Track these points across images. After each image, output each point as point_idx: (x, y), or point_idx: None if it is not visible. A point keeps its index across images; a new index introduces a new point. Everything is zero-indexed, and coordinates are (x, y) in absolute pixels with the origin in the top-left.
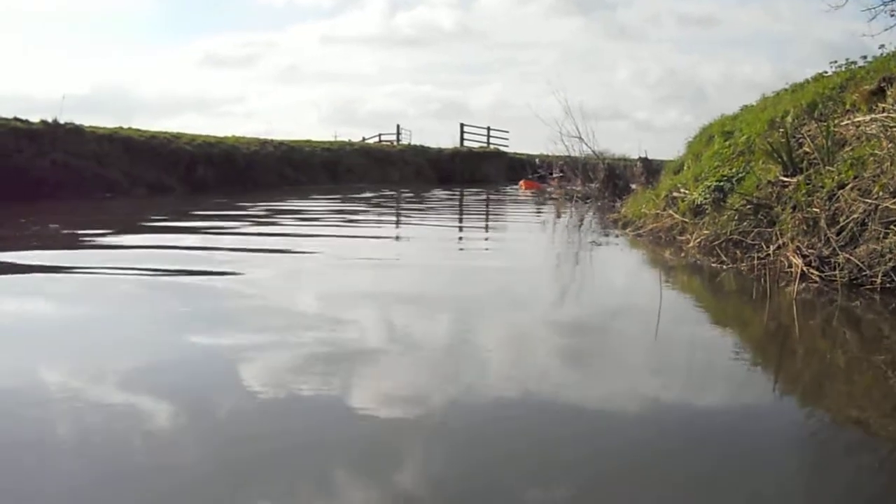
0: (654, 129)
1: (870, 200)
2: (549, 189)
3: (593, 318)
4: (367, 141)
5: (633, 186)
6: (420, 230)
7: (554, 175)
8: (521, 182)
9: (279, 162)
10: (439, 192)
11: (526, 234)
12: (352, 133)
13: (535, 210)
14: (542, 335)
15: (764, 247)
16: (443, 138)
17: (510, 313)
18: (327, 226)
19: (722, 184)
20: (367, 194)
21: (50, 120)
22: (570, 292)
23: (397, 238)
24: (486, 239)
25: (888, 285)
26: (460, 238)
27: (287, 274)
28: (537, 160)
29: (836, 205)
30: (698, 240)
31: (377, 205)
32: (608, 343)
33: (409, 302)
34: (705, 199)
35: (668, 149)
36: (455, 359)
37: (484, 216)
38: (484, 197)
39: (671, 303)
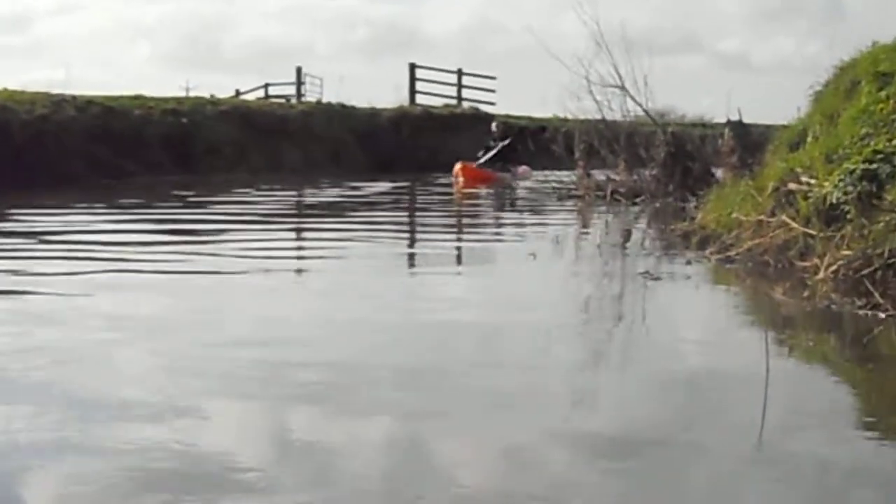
0: (753, 70)
1: None
2: (512, 181)
3: (648, 424)
4: (243, 97)
5: (718, 173)
6: (340, 266)
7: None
8: (458, 167)
9: (87, 135)
10: (375, 187)
11: (523, 265)
12: (215, 84)
13: (535, 217)
14: (555, 460)
15: None
16: (380, 91)
17: (497, 420)
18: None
19: (875, 166)
20: (239, 192)
21: None
22: (606, 374)
23: (298, 271)
24: (459, 275)
25: None
26: (412, 275)
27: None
28: (494, 125)
29: None
30: (834, 267)
31: (253, 216)
32: (676, 469)
33: (319, 395)
34: (846, 193)
35: (776, 105)
36: None
37: (455, 231)
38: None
39: (785, 386)
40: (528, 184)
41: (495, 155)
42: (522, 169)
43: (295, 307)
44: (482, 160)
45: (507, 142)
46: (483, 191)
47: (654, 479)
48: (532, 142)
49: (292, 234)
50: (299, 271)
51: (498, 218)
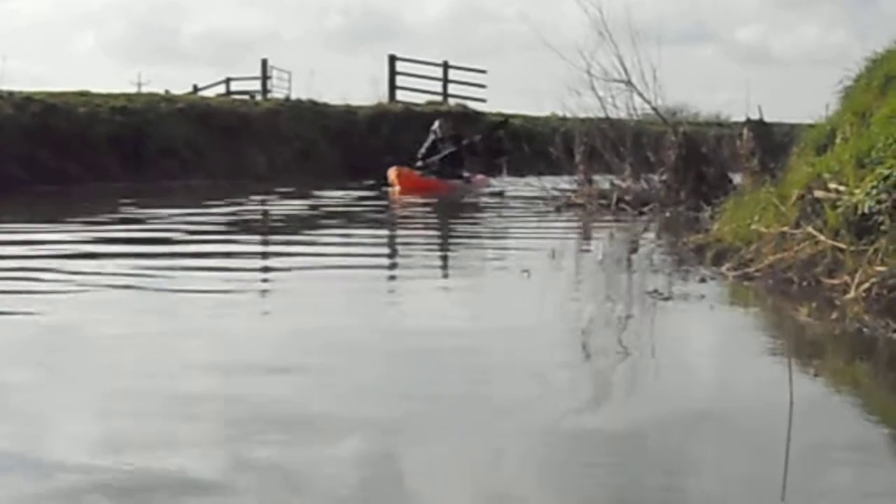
0: (774, 62)
1: None
2: (467, 190)
3: (653, 471)
4: (201, 94)
5: (735, 179)
6: (309, 287)
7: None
8: (393, 173)
9: (27, 136)
10: (349, 194)
11: (515, 283)
12: (170, 78)
13: (529, 229)
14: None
15: None
16: (355, 86)
17: (481, 468)
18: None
19: None
20: (194, 202)
21: None
22: (606, 411)
23: (263, 291)
24: (443, 294)
25: None
26: (390, 297)
27: None
28: (438, 122)
29: None
30: (866, 284)
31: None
32: None
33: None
34: (879, 202)
35: (802, 102)
36: None
37: (438, 245)
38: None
39: (812, 420)
40: (522, 191)
41: (444, 159)
42: (480, 178)
43: (258, 339)
44: (424, 163)
45: (452, 149)
46: (408, 195)
47: None
48: (526, 143)
49: (254, 253)
50: (263, 292)
51: (487, 230)
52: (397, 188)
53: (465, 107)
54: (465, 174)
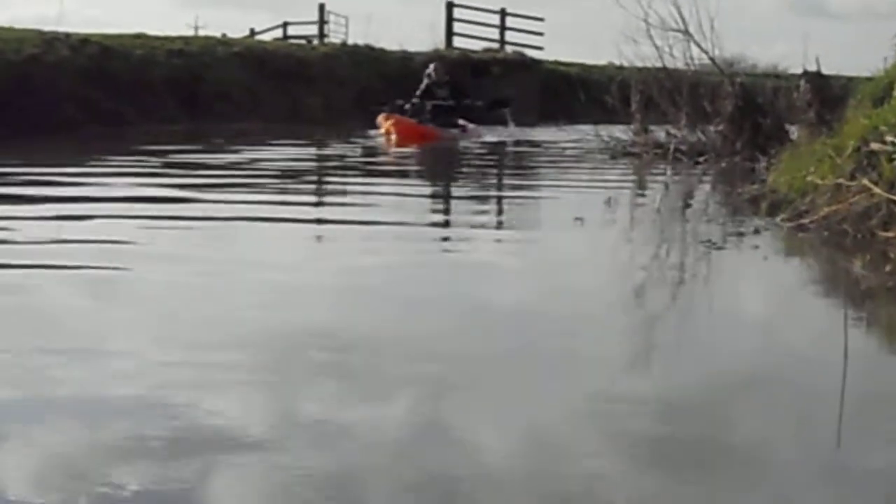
0: (832, 15)
1: None
2: (460, 139)
3: (703, 423)
4: (258, 37)
5: (792, 130)
6: (362, 231)
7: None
8: (389, 122)
9: (83, 77)
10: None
11: (569, 231)
12: (227, 22)
13: (584, 177)
14: (587, 458)
15: None
16: (413, 33)
17: (526, 413)
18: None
19: None
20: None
21: None
22: (658, 363)
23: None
24: (498, 239)
25: None
26: (442, 243)
27: None
28: (432, 66)
29: None
30: None
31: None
32: (733, 484)
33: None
34: None
35: (860, 55)
36: None
37: (493, 191)
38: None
39: (866, 374)
40: (573, 138)
41: (438, 107)
42: (472, 127)
43: (309, 279)
44: (414, 108)
45: (446, 95)
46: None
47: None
48: (582, 91)
49: (307, 197)
50: (319, 238)
51: (542, 177)
52: (394, 136)
53: (522, 54)
54: (461, 123)
